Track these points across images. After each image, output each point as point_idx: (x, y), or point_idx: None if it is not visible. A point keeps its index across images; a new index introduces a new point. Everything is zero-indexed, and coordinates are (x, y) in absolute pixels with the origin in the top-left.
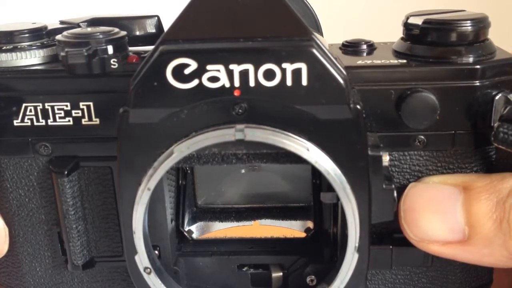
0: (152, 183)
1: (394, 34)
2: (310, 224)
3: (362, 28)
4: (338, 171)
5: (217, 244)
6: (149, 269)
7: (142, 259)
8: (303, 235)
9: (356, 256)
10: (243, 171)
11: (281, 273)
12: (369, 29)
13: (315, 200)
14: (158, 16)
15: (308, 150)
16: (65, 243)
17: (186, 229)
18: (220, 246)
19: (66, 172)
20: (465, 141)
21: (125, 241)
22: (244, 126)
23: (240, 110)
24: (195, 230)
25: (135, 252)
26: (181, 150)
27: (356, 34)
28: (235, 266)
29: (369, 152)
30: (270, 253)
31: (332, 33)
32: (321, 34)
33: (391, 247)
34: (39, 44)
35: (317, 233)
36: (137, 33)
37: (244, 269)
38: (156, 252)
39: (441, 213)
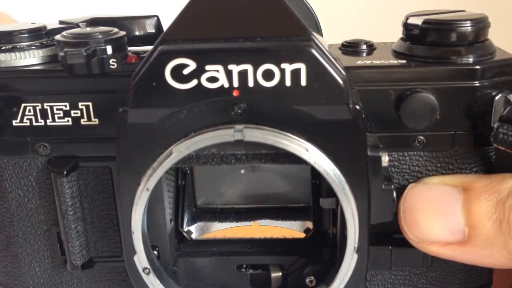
0: (151, 183)
1: (394, 34)
2: (309, 225)
3: (362, 28)
4: (337, 172)
5: (217, 244)
6: (148, 270)
7: (141, 260)
8: (303, 235)
9: (356, 256)
10: (242, 171)
11: (280, 274)
12: (369, 29)
13: (314, 200)
14: (157, 16)
15: (307, 150)
16: (64, 243)
17: (186, 230)
18: (219, 246)
19: (65, 172)
20: (465, 141)
21: (124, 241)
22: (243, 126)
23: (239, 111)
24: (194, 230)
25: (134, 252)
26: (180, 150)
27: (356, 34)
28: (234, 267)
29: (369, 153)
30: (270, 254)
31: (332, 33)
32: (321, 34)
33: (390, 247)
34: (38, 44)
35: (317, 233)
36: (137, 33)
37: (243, 269)
38: (155, 252)
39: (441, 214)
